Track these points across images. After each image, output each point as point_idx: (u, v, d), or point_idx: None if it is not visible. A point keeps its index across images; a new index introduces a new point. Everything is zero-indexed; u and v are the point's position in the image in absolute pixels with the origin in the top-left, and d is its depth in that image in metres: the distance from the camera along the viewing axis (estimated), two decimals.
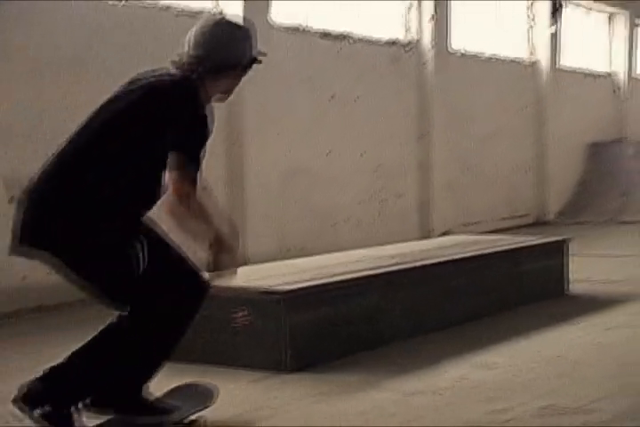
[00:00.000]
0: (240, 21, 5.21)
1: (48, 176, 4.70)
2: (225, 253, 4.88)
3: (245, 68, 5.07)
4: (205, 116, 4.77)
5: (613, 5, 20.17)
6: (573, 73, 19.22)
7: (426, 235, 14.17)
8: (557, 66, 18.05)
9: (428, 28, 14.33)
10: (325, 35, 12.68)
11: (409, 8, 14.41)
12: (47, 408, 4.68)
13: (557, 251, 9.49)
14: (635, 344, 7.27)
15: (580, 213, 18.39)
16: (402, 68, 14.04)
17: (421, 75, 14.35)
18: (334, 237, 12.67)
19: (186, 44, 4.92)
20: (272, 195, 11.69)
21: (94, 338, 4.92)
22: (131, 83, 4.93)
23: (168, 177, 4.72)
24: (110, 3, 9.91)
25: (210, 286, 5.06)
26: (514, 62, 17.29)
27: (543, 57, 17.84)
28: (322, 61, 12.59)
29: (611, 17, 20.98)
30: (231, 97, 5.19)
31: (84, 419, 4.87)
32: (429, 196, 14.51)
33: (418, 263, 7.75)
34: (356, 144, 13.21)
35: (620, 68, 21.05)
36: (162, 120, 4.72)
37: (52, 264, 4.76)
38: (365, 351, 6.81)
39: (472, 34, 16.21)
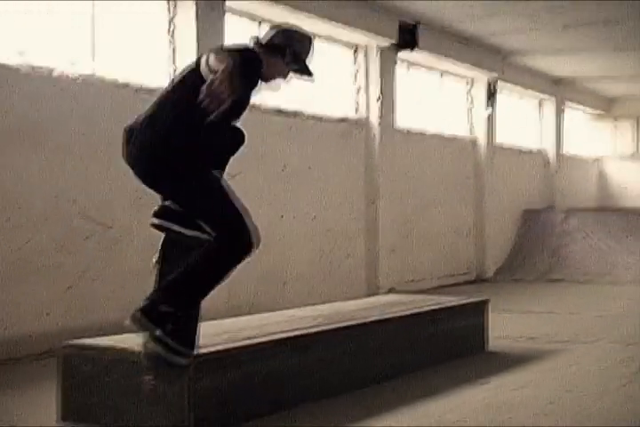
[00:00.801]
0: None
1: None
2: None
3: (290, 62, 5.40)
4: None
5: (542, 92, 19.83)
6: (509, 149, 18.68)
7: (373, 292, 13.28)
8: (494, 143, 17.40)
9: (375, 107, 13.47)
10: (279, 112, 11.82)
11: (358, 89, 13.58)
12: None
13: (478, 311, 8.59)
14: (534, 405, 6.32)
15: (515, 271, 17.72)
16: (351, 143, 13.21)
17: (369, 149, 13.51)
18: (285, 294, 11.78)
19: None
20: None
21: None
22: None
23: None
24: (70, 77, 9.03)
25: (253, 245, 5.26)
26: (455, 139, 16.57)
27: (481, 135, 17.17)
28: (275, 135, 11.76)
29: (541, 102, 20.66)
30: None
31: None
32: (376, 256, 13.59)
33: (333, 325, 6.81)
34: (307, 210, 12.37)
35: (549, 145, 20.70)
36: None
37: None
38: (274, 414, 5.91)
39: (418, 113, 15.56)
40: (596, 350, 8.60)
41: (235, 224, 5.21)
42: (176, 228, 5.36)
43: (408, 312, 7.68)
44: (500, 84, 17.44)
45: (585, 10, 13.41)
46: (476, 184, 17.04)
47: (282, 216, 11.84)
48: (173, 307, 5.13)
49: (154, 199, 9.45)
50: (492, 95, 17.08)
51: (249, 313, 8.68)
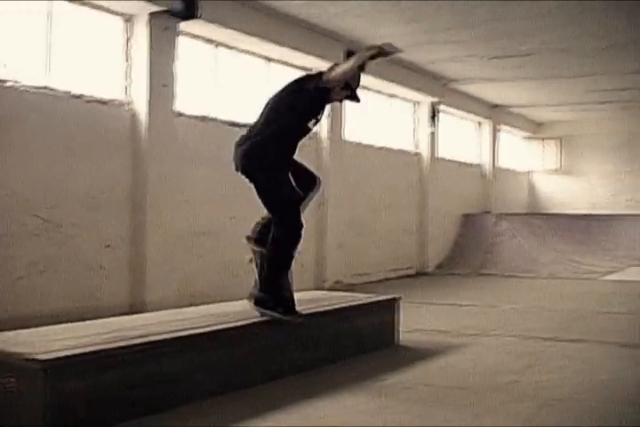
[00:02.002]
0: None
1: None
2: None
3: (344, 89, 5.69)
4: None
5: (480, 116, 18.50)
6: (450, 162, 17.31)
7: (320, 285, 11.93)
8: (435, 156, 16.02)
9: (326, 122, 12.11)
10: (232, 123, 10.45)
11: None
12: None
13: (388, 308, 7.17)
14: (421, 405, 4.95)
15: (453, 266, 16.31)
16: (303, 153, 11.77)
17: (319, 158, 12.12)
18: (236, 286, 10.34)
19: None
20: (178, 251, 9.39)
21: None
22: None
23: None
24: (22, 88, 7.69)
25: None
26: (402, 152, 15.17)
27: (424, 149, 15.77)
28: (229, 143, 10.34)
29: (479, 123, 19.25)
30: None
31: None
32: (324, 253, 12.19)
33: (223, 325, 5.40)
34: (259, 211, 10.92)
35: (486, 160, 19.31)
36: None
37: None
38: (155, 414, 4.57)
39: (370, 129, 14.19)
40: (499, 344, 7.20)
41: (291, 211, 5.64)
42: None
43: (318, 309, 6.30)
44: (442, 106, 16.16)
45: (510, 41, 12.10)
46: (420, 191, 15.68)
47: (233, 217, 10.45)
48: (273, 292, 5.64)
49: (102, 200, 8.16)
50: (433, 116, 15.73)
51: (204, 303, 7.32)
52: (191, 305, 7.21)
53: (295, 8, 10.40)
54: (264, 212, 10.90)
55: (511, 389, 5.40)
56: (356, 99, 5.87)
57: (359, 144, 13.54)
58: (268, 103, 5.72)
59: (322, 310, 6.28)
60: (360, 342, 6.55)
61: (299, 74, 11.74)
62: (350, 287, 12.14)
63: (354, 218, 13.29)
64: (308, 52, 11.33)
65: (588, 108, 19.08)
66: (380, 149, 14.27)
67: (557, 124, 21.88)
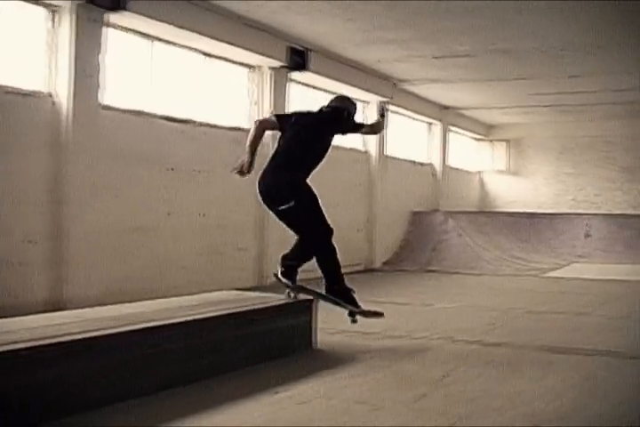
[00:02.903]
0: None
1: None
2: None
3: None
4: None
5: (430, 117, 17.64)
6: (401, 161, 16.42)
7: (261, 282, 11.03)
8: (384, 155, 15.10)
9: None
10: (169, 118, 9.53)
11: (253, 103, 11.31)
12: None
13: (304, 310, 6.27)
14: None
15: (401, 263, 15.40)
16: (241, 149, 10.86)
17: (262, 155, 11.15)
18: (174, 282, 9.47)
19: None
20: (105, 247, 8.45)
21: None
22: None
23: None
24: None
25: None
26: (351, 151, 14.21)
27: (373, 148, 14.83)
28: (164, 139, 9.46)
29: (430, 124, 18.30)
30: None
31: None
32: (266, 248, 11.24)
33: (128, 327, 4.54)
34: (196, 207, 10.05)
35: (437, 159, 18.41)
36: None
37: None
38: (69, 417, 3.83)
39: None
40: (421, 348, 6.32)
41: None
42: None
43: (219, 313, 5.39)
44: (392, 106, 15.24)
45: (449, 41, 11.24)
46: (369, 189, 14.76)
47: (168, 213, 9.52)
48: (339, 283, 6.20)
49: (23, 194, 7.19)
50: (382, 116, 14.66)
51: (132, 300, 6.40)
52: (116, 303, 6.28)
53: (234, 3, 9.47)
54: (204, 206, 9.89)
55: (419, 405, 4.52)
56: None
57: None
58: (298, 131, 6.05)
59: (224, 313, 5.37)
60: (269, 347, 5.65)
61: (239, 70, 10.98)
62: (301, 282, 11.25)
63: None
64: (249, 49, 10.40)
65: (534, 112, 18.38)
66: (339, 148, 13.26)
67: (506, 127, 21.17)
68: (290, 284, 6.10)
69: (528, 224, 17.56)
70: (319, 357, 5.91)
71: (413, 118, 17.31)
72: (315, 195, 5.99)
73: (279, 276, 6.17)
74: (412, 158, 17.24)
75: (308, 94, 12.82)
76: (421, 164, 17.70)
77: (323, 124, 6.13)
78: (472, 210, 20.17)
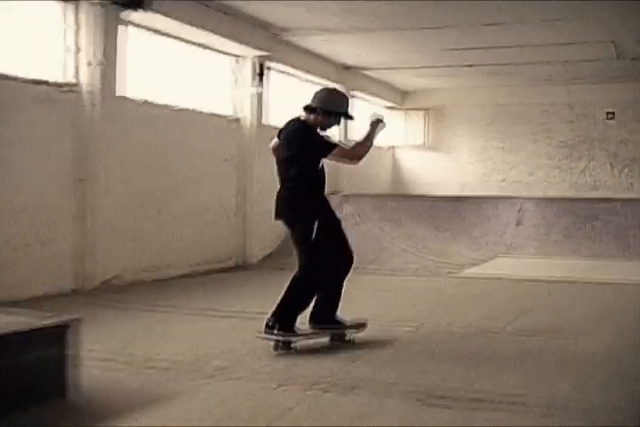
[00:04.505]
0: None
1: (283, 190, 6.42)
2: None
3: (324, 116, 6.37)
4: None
5: (326, 78, 16.09)
6: None
7: (80, 284, 9.45)
8: (263, 123, 13.72)
9: (91, 71, 9.63)
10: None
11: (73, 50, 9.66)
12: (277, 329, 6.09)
13: (55, 339, 4.72)
14: None
15: (285, 258, 13.42)
16: (55, 111, 9.27)
17: (80, 118, 9.60)
18: None
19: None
20: None
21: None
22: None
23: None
24: None
25: (351, 264, 6.53)
26: (216, 116, 12.75)
27: (247, 114, 13.40)
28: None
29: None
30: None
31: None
32: (91, 240, 9.64)
33: None
34: None
35: (336, 131, 16.39)
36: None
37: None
38: None
39: (171, 86, 11.83)
40: (209, 395, 4.86)
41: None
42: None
43: None
44: (273, 63, 14.02)
45: None
46: (242, 164, 13.30)
47: None
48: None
49: None
50: (261, 74, 13.47)
51: None
52: None
53: None
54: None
55: None
56: (339, 121, 6.58)
57: (149, 103, 11.05)
58: (286, 154, 6.40)
59: None
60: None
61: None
62: (130, 287, 9.81)
63: (146, 195, 10.93)
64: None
65: (454, 74, 17.35)
66: (183, 110, 11.81)
67: (423, 93, 20.22)
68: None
69: (449, 209, 16.61)
70: (69, 412, 4.35)
71: (305, 80, 15.97)
72: (317, 218, 6.26)
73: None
74: None
75: (153, 42, 11.26)
76: None
77: (289, 144, 6.39)
78: (380, 193, 18.93)
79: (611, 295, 10.04)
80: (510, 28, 12.75)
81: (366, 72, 17.34)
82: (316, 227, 6.19)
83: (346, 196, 15.78)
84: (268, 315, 6.19)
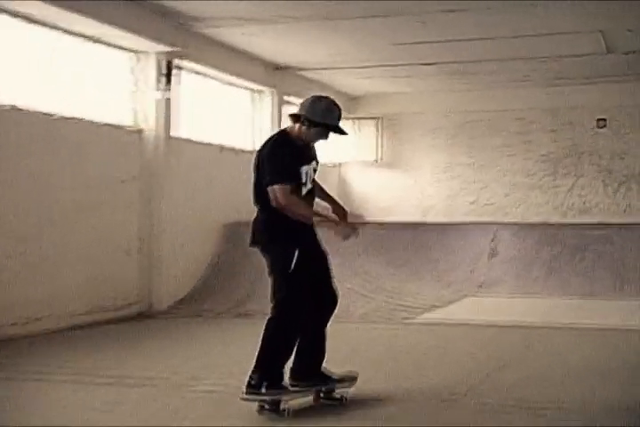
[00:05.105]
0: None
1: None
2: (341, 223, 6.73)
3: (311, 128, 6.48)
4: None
5: (255, 81, 16.33)
6: (204, 146, 14.69)
7: None
8: (173, 135, 13.35)
9: None
10: None
11: None
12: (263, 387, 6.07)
13: None
14: None
15: (204, 300, 13.62)
16: None
17: None
18: None
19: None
20: None
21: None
22: None
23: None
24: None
25: (335, 305, 6.58)
26: (112, 126, 12.31)
27: (152, 124, 12.97)
28: None
29: (259, 92, 16.97)
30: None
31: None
32: None
33: None
34: None
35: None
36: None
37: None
38: None
39: (52, 90, 11.33)
40: None
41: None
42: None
43: None
44: (185, 62, 13.71)
45: None
46: (146, 187, 12.82)
47: None
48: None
49: None
50: (168, 75, 13.00)
51: None
52: None
53: None
54: None
55: None
56: (328, 134, 6.61)
57: (17, 110, 10.46)
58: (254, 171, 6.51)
59: None
60: None
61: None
62: None
63: (16, 227, 10.36)
64: None
65: (410, 74, 17.34)
66: (67, 120, 11.30)
67: (375, 99, 20.25)
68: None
69: (407, 239, 16.72)
70: None
71: (227, 82, 15.78)
72: (298, 246, 6.37)
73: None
74: (226, 143, 15.59)
75: (27, 33, 10.87)
76: (242, 151, 15.94)
77: (256, 159, 6.59)
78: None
79: (605, 346, 9.64)
80: (476, 15, 12.49)
81: (303, 73, 17.10)
82: (296, 256, 6.25)
83: None
84: (249, 372, 6.16)
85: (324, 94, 6.81)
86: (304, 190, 6.46)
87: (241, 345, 9.16)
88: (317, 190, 6.89)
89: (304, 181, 6.43)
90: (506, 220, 18.17)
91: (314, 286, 6.41)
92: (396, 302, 13.73)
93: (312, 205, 6.59)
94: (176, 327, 11.56)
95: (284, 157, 6.32)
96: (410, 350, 9.48)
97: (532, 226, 16.91)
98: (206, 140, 14.72)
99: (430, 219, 18.94)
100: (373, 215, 19.36)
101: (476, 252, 16.08)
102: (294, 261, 6.22)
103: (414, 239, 16.45)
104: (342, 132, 6.58)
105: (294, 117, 6.50)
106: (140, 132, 12.77)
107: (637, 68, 16.46)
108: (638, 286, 14.05)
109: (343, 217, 6.89)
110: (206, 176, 14.46)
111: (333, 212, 6.98)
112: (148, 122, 12.84)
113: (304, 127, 6.43)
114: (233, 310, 12.92)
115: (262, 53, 15.34)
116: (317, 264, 6.53)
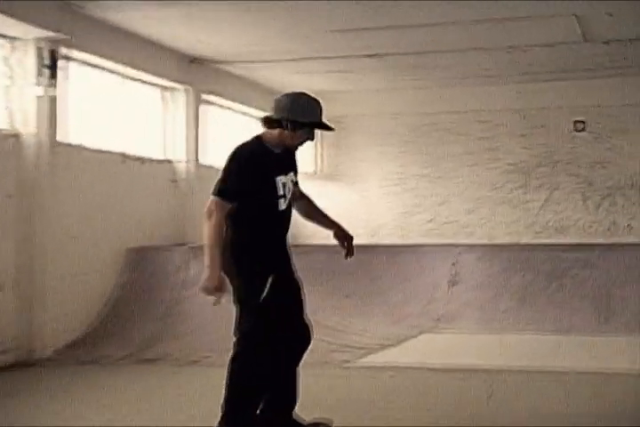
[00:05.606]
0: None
1: None
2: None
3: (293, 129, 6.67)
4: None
5: (166, 77, 16.11)
6: (102, 153, 14.30)
7: None
8: (59, 140, 13.00)
9: None
10: None
11: None
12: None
13: None
14: None
15: (99, 344, 13.22)
16: None
17: None
18: None
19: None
20: None
21: None
22: None
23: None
24: None
25: (309, 342, 6.75)
26: None
27: (32, 127, 12.57)
28: None
29: (171, 90, 16.77)
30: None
31: None
32: None
33: None
34: None
35: (181, 153, 16.89)
36: None
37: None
38: None
39: None
40: None
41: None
42: None
43: None
44: (75, 52, 13.27)
45: None
46: (24, 204, 12.41)
47: None
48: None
49: None
50: (51, 67, 12.53)
51: None
52: None
53: None
54: None
55: None
56: (313, 133, 6.87)
57: None
58: None
59: None
60: None
61: None
62: None
63: None
64: None
65: (352, 68, 17.28)
66: None
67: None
68: None
69: (352, 265, 15.89)
70: None
71: (131, 78, 15.47)
72: (271, 273, 6.51)
73: None
74: (128, 150, 15.24)
75: None
76: (149, 160, 15.84)
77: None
78: None
79: (587, 395, 9.26)
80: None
81: (223, 67, 16.97)
82: (268, 285, 6.40)
83: (193, 248, 14.95)
84: (215, 424, 6.36)
85: (297, 91, 7.09)
86: (283, 204, 6.68)
87: (146, 399, 9.04)
88: (309, 209, 7.25)
89: (282, 193, 6.61)
90: (469, 241, 18.31)
91: (284, 320, 6.50)
92: (338, 341, 13.50)
93: (288, 226, 6.95)
94: (61, 378, 11.07)
95: (242, 171, 6.44)
96: (338, 406, 8.86)
97: (500, 248, 16.94)
98: (104, 146, 14.36)
99: (380, 240, 19.01)
100: (311, 237, 19.13)
101: (433, 279, 15.97)
102: (266, 291, 6.38)
103: (361, 265, 15.72)
104: (329, 128, 6.82)
105: (271, 122, 6.64)
106: (16, 136, 12.34)
107: (620, 60, 16.49)
108: (625, 320, 13.85)
109: (350, 245, 7.27)
110: (105, 191, 14.12)
111: (335, 236, 7.29)
112: (28, 124, 12.42)
113: (287, 131, 6.59)
114: (136, 354, 12.56)
115: (173, 43, 15.07)
116: (289, 295, 6.66)
